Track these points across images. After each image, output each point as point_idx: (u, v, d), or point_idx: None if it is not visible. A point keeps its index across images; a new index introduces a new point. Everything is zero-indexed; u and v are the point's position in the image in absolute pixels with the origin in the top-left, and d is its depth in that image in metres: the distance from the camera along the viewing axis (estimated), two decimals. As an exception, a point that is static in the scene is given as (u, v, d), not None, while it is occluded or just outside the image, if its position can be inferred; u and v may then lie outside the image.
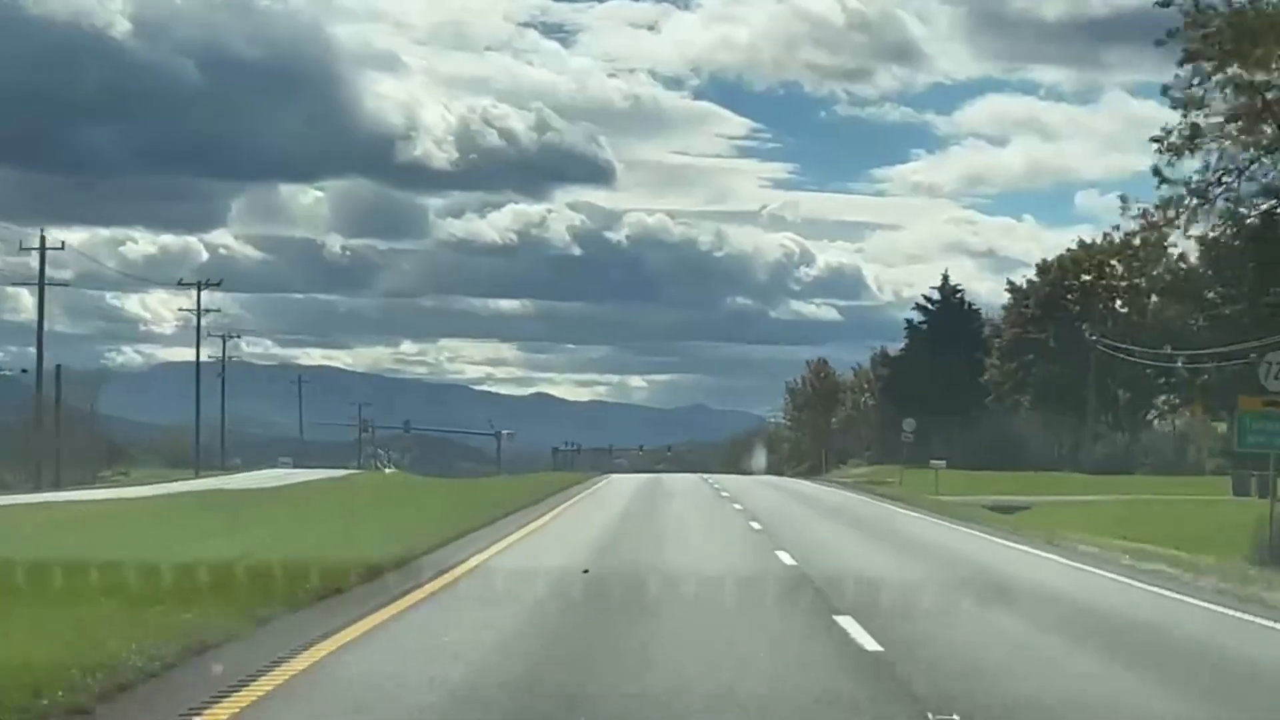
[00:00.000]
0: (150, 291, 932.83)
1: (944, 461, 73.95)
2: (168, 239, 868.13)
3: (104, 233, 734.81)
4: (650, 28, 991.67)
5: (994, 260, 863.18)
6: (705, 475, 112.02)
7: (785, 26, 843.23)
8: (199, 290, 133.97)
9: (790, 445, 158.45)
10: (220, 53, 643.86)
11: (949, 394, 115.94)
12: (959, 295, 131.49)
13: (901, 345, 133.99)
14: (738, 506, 53.05)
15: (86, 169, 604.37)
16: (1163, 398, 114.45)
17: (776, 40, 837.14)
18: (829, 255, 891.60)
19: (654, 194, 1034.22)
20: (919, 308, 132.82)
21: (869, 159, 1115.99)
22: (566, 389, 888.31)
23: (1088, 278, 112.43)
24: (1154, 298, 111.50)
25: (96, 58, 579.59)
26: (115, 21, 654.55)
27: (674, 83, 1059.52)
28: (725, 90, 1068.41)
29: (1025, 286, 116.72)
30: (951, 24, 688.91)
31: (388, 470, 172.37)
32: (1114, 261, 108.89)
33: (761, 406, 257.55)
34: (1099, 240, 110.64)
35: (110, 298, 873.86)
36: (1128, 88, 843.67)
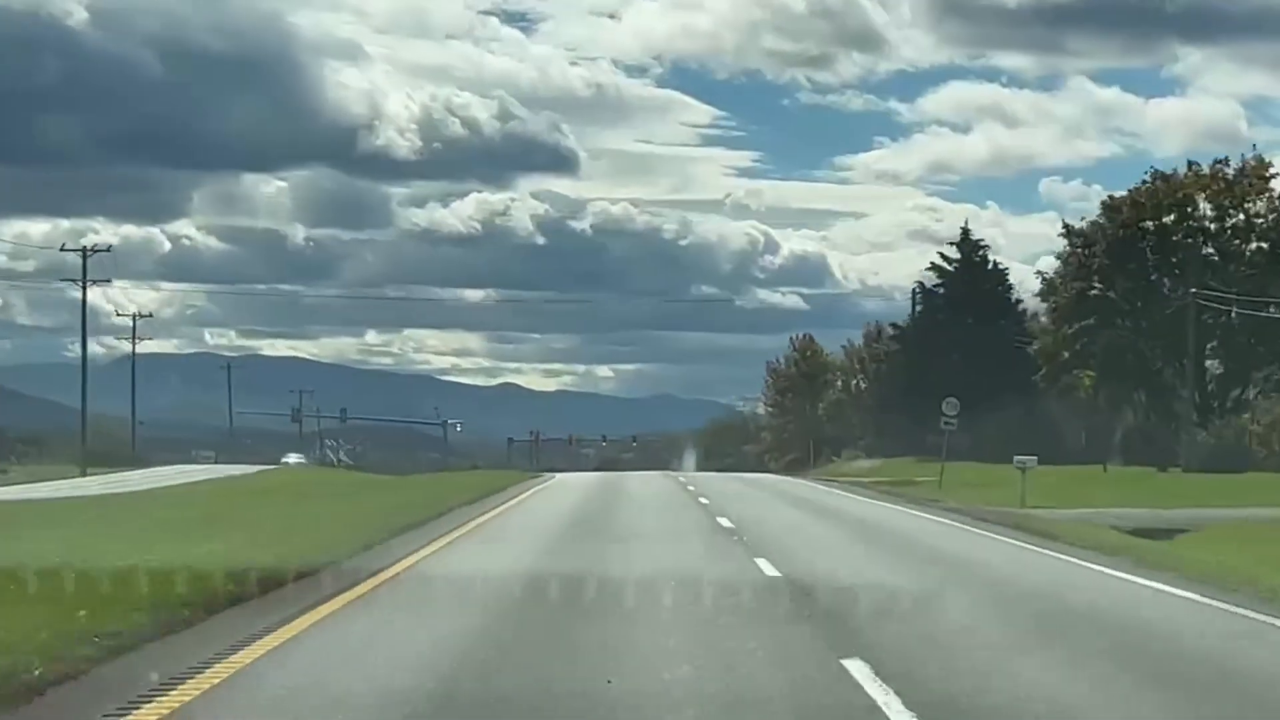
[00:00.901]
0: (114, 284, 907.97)
1: (1034, 458, 50.81)
2: (129, 229, 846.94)
3: (64, 224, 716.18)
4: (611, 15, 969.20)
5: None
6: (677, 474, 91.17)
7: (746, 14, 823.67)
8: (84, 259, 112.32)
9: (771, 435, 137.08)
10: (180, 42, 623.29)
11: (973, 371, 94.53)
12: (982, 252, 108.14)
13: (906, 318, 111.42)
14: (763, 563, 29.30)
15: (46, 160, 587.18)
16: (1268, 370, 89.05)
17: (737, 27, 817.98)
18: (794, 244, 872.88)
19: (618, 183, 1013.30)
20: (934, 268, 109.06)
21: (833, 147, 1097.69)
22: (533, 379, 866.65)
23: (1169, 218, 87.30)
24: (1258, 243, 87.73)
25: (54, 48, 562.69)
26: (73, 11, 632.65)
27: (637, 71, 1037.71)
28: (688, 78, 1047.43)
29: (1085, 229, 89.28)
30: (914, 10, 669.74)
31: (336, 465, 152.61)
32: (1200, 198, 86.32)
33: (729, 395, 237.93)
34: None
35: (73, 290, 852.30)
36: (1090, 74, 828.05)
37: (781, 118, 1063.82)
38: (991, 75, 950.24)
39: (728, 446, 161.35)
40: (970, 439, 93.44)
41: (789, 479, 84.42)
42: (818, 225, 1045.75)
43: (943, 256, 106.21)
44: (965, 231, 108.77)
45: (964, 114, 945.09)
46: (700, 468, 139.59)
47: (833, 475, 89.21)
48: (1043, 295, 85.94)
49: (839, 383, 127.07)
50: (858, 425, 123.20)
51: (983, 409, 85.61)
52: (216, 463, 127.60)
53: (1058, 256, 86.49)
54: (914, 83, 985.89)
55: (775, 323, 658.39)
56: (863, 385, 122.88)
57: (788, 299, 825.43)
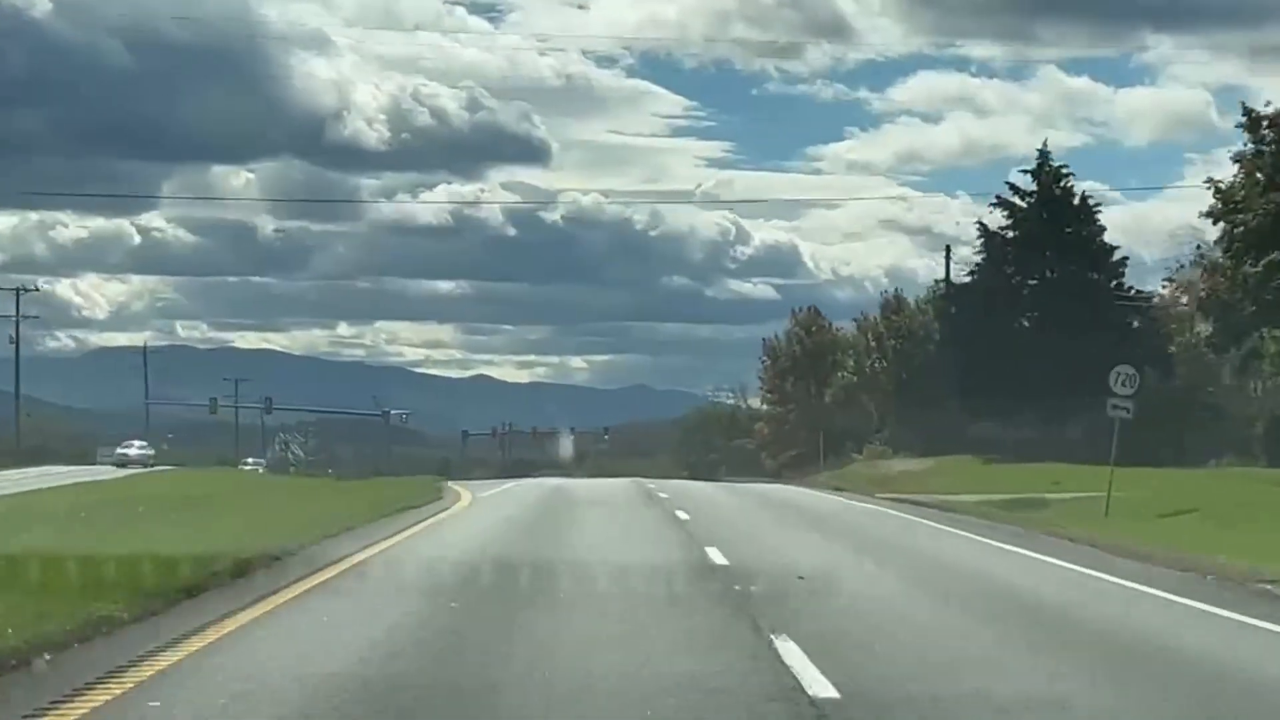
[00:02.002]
0: (82, 276, 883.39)
1: None
2: (99, 222, 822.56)
3: (33, 216, 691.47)
4: (580, 5, 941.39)
5: (929, 237, 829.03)
6: (650, 483, 68.27)
7: (714, 2, 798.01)
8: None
9: (769, 427, 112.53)
10: (147, 32, 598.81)
11: (1059, 340, 70.40)
12: (1066, 181, 79.59)
13: (968, 269, 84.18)
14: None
15: (11, 152, 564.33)
16: None
17: (705, 16, 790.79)
18: (765, 234, 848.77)
19: (590, 174, 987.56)
20: (1001, 203, 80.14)
21: (804, 137, 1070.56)
22: (506, 370, 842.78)
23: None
24: None
25: (17, 39, 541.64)
26: (36, 1, 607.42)
27: (606, 61, 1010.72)
28: (657, 68, 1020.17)
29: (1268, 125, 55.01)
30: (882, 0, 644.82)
31: (260, 470, 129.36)
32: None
33: (703, 385, 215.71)
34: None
35: (42, 282, 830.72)
36: (1060, 63, 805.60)
37: (752, 108, 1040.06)
38: (961, 64, 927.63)
39: (713, 439, 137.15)
40: (1054, 432, 69.55)
41: (811, 492, 60.40)
42: (789, 215, 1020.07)
43: (1012, 188, 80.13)
44: (1043, 152, 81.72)
45: (934, 104, 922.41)
46: (688, 471, 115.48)
47: (863, 483, 65.09)
48: (1218, 215, 57.21)
49: (850, 363, 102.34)
50: (875, 413, 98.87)
51: (1076, 391, 61.40)
52: (149, 465, 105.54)
53: (1235, 159, 57.20)
54: (884, 72, 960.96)
55: (749, 312, 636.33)
56: (880, 365, 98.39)
57: (760, 289, 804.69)
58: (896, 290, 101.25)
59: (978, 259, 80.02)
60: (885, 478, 67.97)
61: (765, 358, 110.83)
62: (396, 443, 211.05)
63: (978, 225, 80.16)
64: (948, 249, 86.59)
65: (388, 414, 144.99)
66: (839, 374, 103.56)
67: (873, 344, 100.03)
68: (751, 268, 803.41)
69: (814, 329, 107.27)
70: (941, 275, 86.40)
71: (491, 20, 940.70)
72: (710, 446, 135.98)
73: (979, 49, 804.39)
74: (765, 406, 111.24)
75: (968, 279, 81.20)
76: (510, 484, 70.41)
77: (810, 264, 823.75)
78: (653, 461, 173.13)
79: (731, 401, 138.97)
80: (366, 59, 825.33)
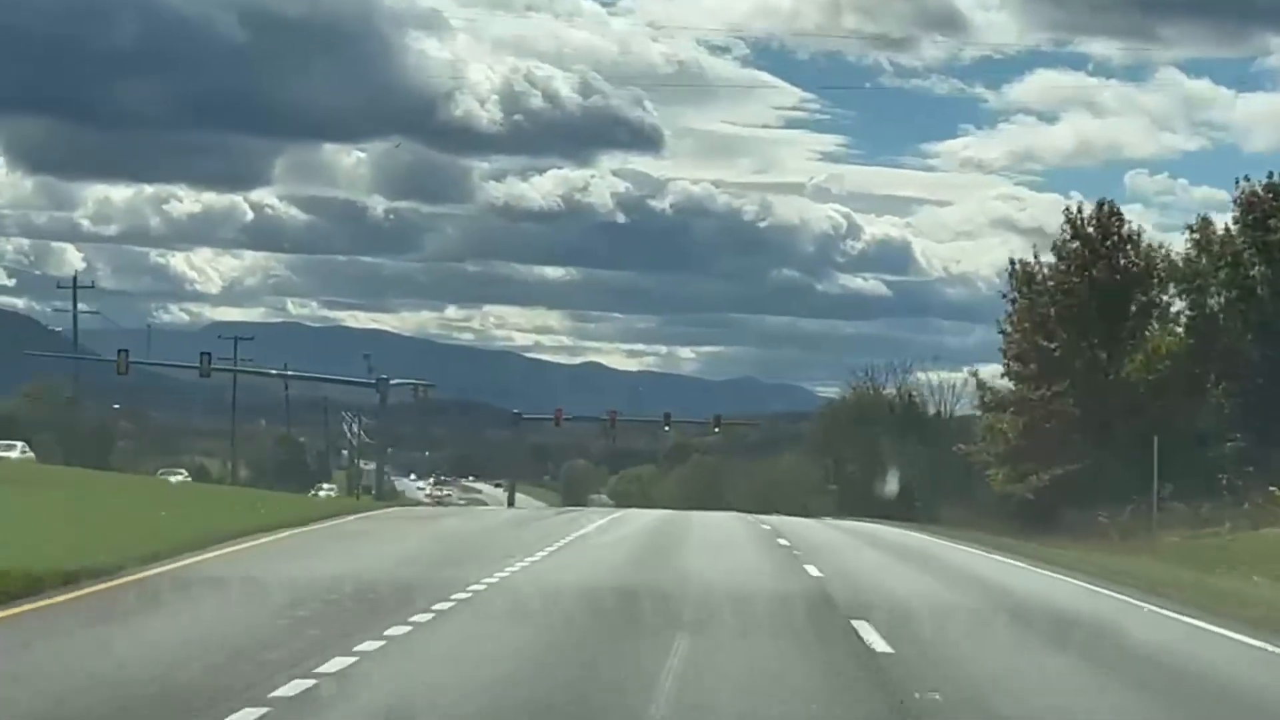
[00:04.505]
0: (195, 250, 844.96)
1: None
2: (211, 197, 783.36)
3: (148, 189, 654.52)
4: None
5: (1043, 238, 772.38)
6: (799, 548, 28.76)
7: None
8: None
9: (1009, 429, 58.89)
10: (262, 9, 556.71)
11: None
12: None
13: None
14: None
15: (128, 125, 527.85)
16: None
17: (818, 5, 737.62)
18: (877, 229, 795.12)
19: (701, 162, 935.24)
20: None
21: (918, 133, 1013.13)
22: (615, 358, 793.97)
23: None
24: None
25: (134, 11, 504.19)
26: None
27: (719, 49, 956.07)
28: (770, 58, 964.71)
29: None
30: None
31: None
32: None
33: (811, 380, 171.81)
34: None
35: (155, 255, 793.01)
36: (1180, 64, 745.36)
37: (866, 102, 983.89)
38: (1078, 63, 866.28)
39: (866, 438, 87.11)
40: None
41: None
42: (901, 211, 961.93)
43: None
44: None
45: (1050, 103, 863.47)
46: (835, 485, 67.15)
47: None
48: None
49: (1181, 308, 51.26)
50: (1223, 406, 47.89)
51: None
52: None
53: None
54: (1000, 69, 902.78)
55: (858, 308, 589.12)
56: (1242, 312, 47.48)
57: (870, 284, 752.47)
58: (1270, 176, 50.49)
59: None
60: None
61: (1015, 292, 58.07)
62: (500, 427, 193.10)
63: None
64: None
65: (382, 382, 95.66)
66: (1158, 329, 52.70)
67: (1221, 274, 48.86)
68: (862, 262, 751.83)
69: (1108, 241, 55.16)
70: None
71: (604, 4, 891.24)
72: (871, 449, 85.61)
73: (1097, 46, 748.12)
74: (1011, 384, 58.25)
75: None
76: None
77: (922, 260, 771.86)
78: (772, 466, 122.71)
79: (924, 381, 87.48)
80: (480, 40, 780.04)
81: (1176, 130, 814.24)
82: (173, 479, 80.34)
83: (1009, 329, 56.94)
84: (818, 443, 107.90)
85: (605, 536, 35.91)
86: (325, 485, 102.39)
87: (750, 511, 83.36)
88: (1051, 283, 56.08)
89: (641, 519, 49.87)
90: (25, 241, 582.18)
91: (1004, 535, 46.51)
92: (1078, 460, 53.29)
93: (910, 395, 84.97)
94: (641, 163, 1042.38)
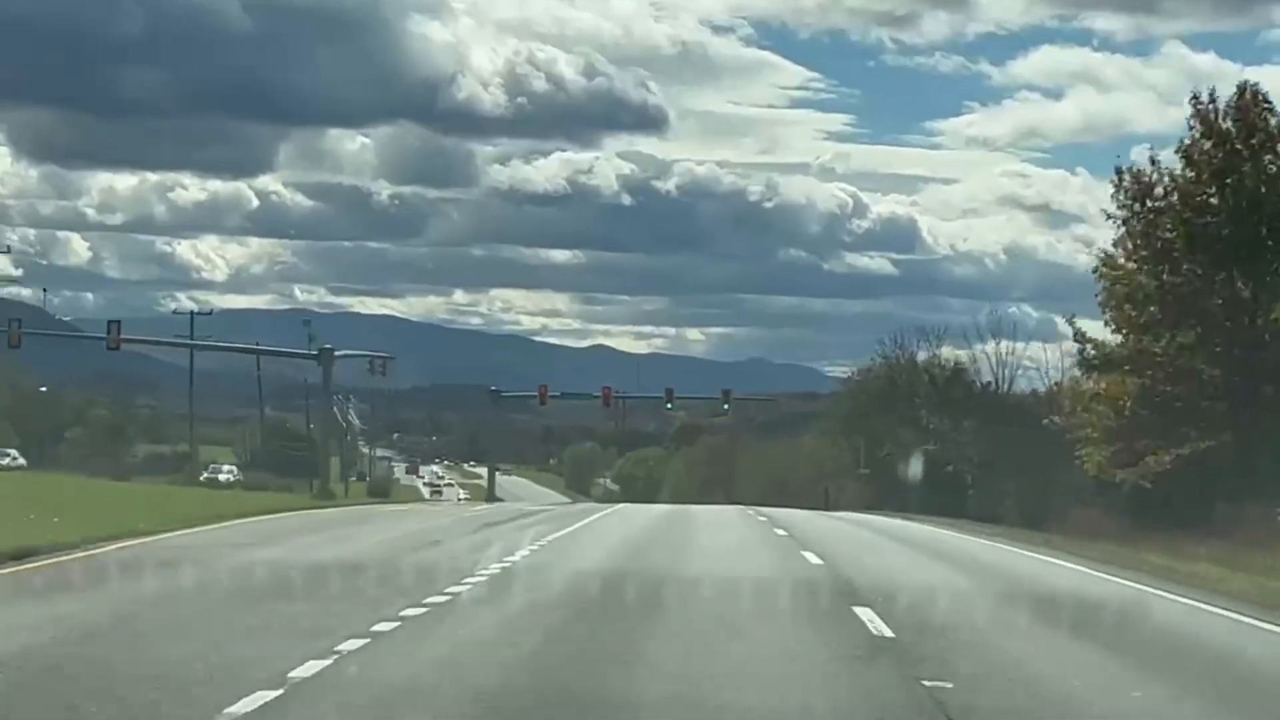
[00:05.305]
0: (201, 237, 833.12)
1: None
2: (216, 184, 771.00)
3: (153, 178, 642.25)
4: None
5: (1049, 214, 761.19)
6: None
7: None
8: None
9: (1105, 404, 41.41)
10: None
11: None
12: None
13: None
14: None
15: (131, 112, 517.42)
16: None
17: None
18: (883, 207, 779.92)
19: (706, 143, 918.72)
20: None
21: (923, 111, 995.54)
22: (624, 341, 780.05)
23: None
24: None
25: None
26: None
27: (723, 29, 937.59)
28: (772, 36, 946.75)
29: None
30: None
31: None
32: None
33: (820, 361, 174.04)
34: None
35: (161, 243, 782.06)
36: (1184, 38, 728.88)
37: (870, 80, 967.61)
38: (1083, 38, 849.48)
39: (903, 413, 72.82)
40: None
41: None
42: (907, 190, 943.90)
43: None
44: None
45: (1055, 78, 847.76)
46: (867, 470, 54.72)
47: None
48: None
49: None
50: None
51: None
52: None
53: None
54: (1004, 45, 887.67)
55: (865, 287, 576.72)
56: None
57: (877, 263, 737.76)
58: None
59: None
60: None
61: (1125, 209, 40.88)
62: (513, 411, 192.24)
63: None
64: None
65: (327, 352, 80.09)
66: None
67: None
68: (868, 241, 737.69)
69: (1253, 140, 38.07)
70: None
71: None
72: (908, 428, 71.07)
73: (1101, 21, 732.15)
74: (1116, 337, 41.57)
75: None
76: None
77: (929, 239, 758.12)
78: (789, 449, 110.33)
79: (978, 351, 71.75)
80: (482, 23, 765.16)
81: (1182, 104, 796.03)
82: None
83: (1106, 269, 41.05)
84: (840, 421, 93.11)
85: (537, 577, 21.29)
86: (225, 466, 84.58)
87: (763, 503, 69.37)
88: (1176, 198, 40.34)
89: (624, 528, 35.63)
90: (31, 231, 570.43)
91: (1104, 535, 34.53)
92: (1214, 434, 38.16)
93: (957, 364, 69.57)
94: (646, 144, 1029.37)
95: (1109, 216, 39.77)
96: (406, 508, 56.98)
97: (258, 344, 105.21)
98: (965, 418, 62.91)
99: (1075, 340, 41.39)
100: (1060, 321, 63.30)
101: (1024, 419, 58.67)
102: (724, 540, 31.51)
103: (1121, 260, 40.21)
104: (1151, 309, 38.62)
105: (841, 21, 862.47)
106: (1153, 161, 39.77)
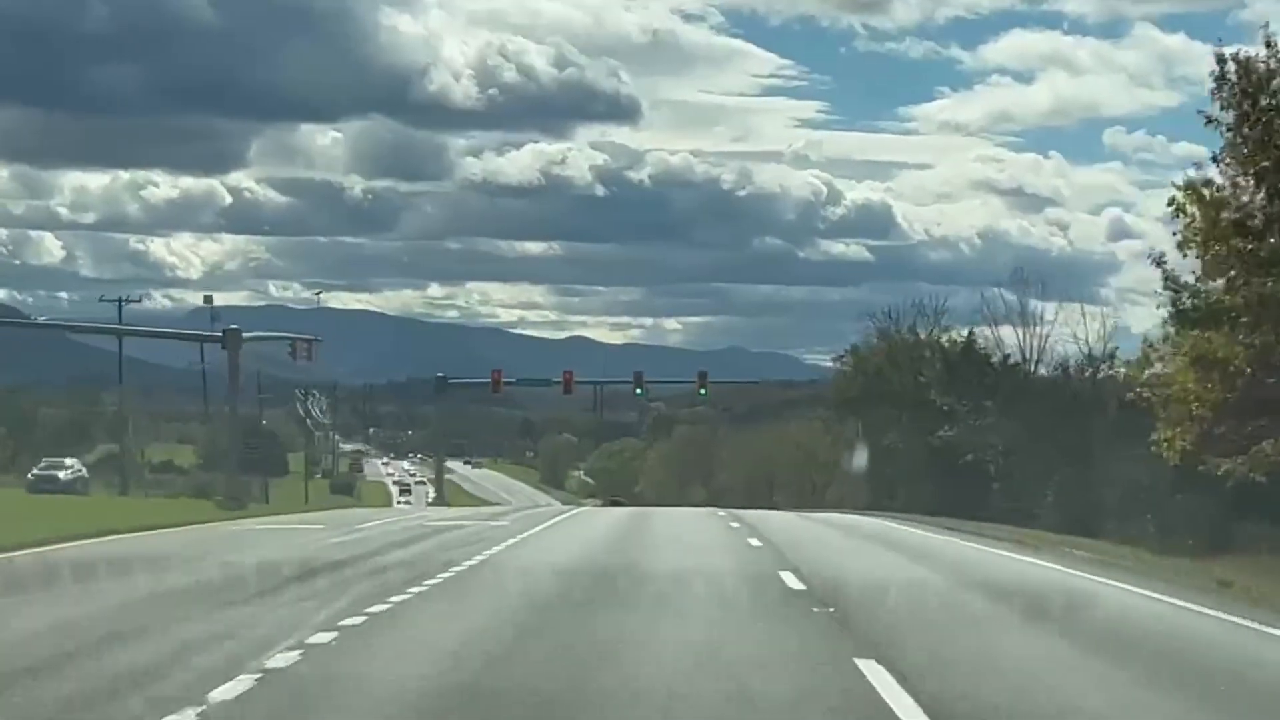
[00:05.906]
0: (175, 235, 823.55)
1: None
2: (188, 182, 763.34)
3: (125, 176, 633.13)
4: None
5: (1021, 198, 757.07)
6: None
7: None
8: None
9: (1230, 358, 28.97)
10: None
11: None
12: None
13: None
14: None
15: (102, 110, 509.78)
16: None
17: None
18: (857, 194, 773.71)
19: (679, 133, 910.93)
20: None
21: (895, 97, 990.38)
22: (601, 331, 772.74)
23: None
24: None
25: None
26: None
27: (694, 17, 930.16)
28: (744, 23, 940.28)
29: None
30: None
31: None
32: None
33: (798, 349, 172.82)
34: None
35: (134, 241, 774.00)
36: (1155, 20, 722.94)
37: (842, 66, 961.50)
38: (1053, 21, 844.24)
39: (909, 394, 63.98)
40: None
41: None
42: (882, 176, 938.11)
43: None
44: None
45: (1027, 62, 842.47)
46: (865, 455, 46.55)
47: None
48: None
49: None
50: None
51: None
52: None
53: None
54: (975, 29, 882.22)
55: (841, 274, 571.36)
56: None
57: (853, 250, 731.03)
58: None
59: None
60: None
61: (1227, 111, 28.03)
62: (492, 403, 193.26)
63: None
64: None
65: (233, 333, 69.73)
66: None
67: None
68: (844, 228, 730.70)
69: None
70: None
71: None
72: (917, 410, 62.07)
73: (1071, 4, 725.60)
74: (1207, 283, 30.70)
75: None
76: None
77: (904, 224, 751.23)
78: (773, 437, 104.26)
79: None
80: (453, 14, 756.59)
81: (1154, 86, 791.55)
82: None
83: (1188, 196, 30.32)
84: (832, 404, 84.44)
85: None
86: (67, 462, 71.37)
87: (748, 500, 61.35)
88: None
89: (572, 541, 26.35)
90: (3, 231, 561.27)
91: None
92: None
93: (971, 337, 60.16)
94: (619, 134, 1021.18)
95: (1209, 120, 29.26)
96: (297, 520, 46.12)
97: (181, 332, 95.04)
98: (986, 398, 53.55)
99: (1166, 287, 30.94)
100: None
101: (1058, 398, 49.42)
102: (683, 599, 20.47)
103: (1218, 182, 29.88)
104: (1272, 239, 28.17)
105: (812, 8, 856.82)
106: (1268, 44, 29.27)
